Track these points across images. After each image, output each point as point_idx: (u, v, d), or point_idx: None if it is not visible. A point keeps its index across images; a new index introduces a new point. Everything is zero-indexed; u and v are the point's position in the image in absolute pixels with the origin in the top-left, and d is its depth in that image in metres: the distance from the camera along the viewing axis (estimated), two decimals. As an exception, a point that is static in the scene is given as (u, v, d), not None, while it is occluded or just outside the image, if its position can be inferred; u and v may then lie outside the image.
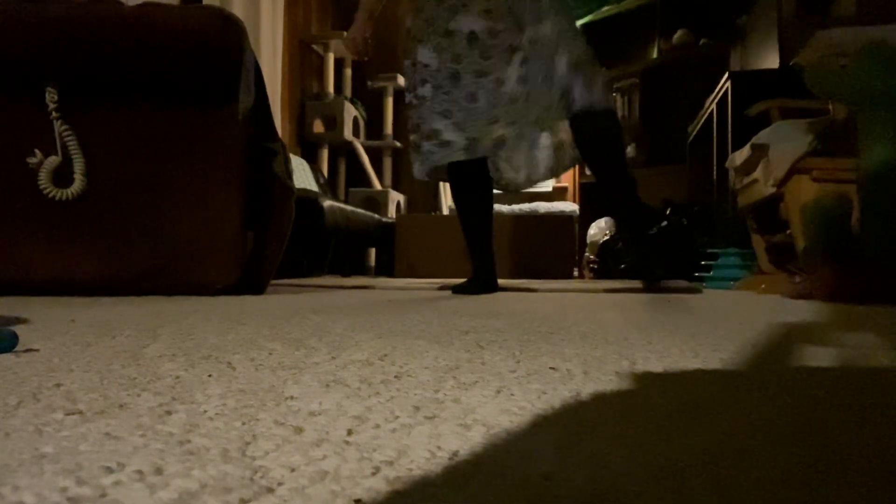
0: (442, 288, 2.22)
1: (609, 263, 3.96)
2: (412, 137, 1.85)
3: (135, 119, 1.61)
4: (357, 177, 5.05)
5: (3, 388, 0.43)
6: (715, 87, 3.40)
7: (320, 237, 3.59)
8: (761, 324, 0.97)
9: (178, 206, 1.61)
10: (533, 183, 2.06)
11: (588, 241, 4.69)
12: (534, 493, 0.24)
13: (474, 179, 1.91)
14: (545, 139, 1.95)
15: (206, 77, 1.59)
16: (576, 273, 4.35)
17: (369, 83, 5.20)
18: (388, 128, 5.18)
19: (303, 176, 4.09)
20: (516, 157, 1.96)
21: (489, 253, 1.92)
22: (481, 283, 1.88)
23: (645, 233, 1.79)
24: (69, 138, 1.54)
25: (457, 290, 1.87)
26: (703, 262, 3.10)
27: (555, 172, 2.03)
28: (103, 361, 0.55)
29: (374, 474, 0.26)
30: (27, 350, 0.61)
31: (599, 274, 4.11)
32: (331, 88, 4.92)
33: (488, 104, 1.72)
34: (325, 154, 4.84)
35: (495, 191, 2.01)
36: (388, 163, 5.24)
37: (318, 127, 4.85)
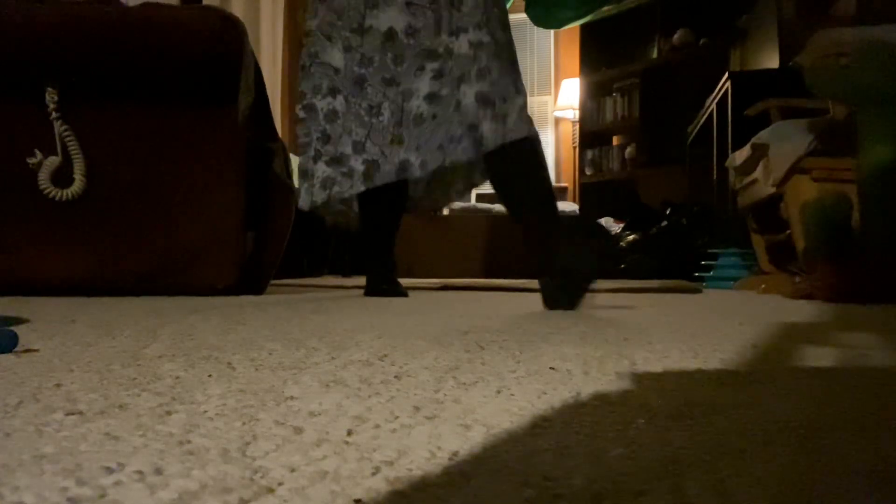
0: (442, 288, 2.22)
1: (609, 263, 3.96)
2: (302, 160, 1.54)
3: (135, 119, 1.61)
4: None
5: (3, 388, 0.43)
6: (715, 87, 3.40)
7: (320, 237, 3.59)
8: (761, 324, 0.97)
9: (177, 206, 1.61)
10: (442, 205, 1.78)
11: (588, 241, 4.68)
12: (534, 493, 0.24)
13: (389, 196, 1.61)
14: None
15: (206, 77, 1.59)
16: (576, 273, 4.33)
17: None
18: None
19: (303, 176, 4.08)
20: (421, 182, 1.72)
21: (389, 258, 1.72)
22: (380, 287, 1.69)
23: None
24: (69, 139, 1.54)
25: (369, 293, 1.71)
26: (703, 262, 3.10)
27: (469, 189, 1.79)
28: (103, 362, 0.55)
29: (374, 474, 0.26)
30: (27, 350, 0.61)
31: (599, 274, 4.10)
32: (331, 88, 4.91)
33: (392, 120, 1.44)
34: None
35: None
36: (388, 163, 5.23)
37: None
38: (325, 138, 1.50)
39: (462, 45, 1.38)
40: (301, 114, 1.54)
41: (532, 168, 1.37)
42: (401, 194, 1.68)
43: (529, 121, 1.37)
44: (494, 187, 1.45)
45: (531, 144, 1.37)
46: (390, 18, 1.41)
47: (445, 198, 1.83)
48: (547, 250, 1.30)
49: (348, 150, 1.48)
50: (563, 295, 1.26)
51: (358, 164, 1.47)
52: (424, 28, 1.40)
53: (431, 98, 1.42)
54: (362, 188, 1.48)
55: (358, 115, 1.46)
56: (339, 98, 1.48)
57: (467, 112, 1.37)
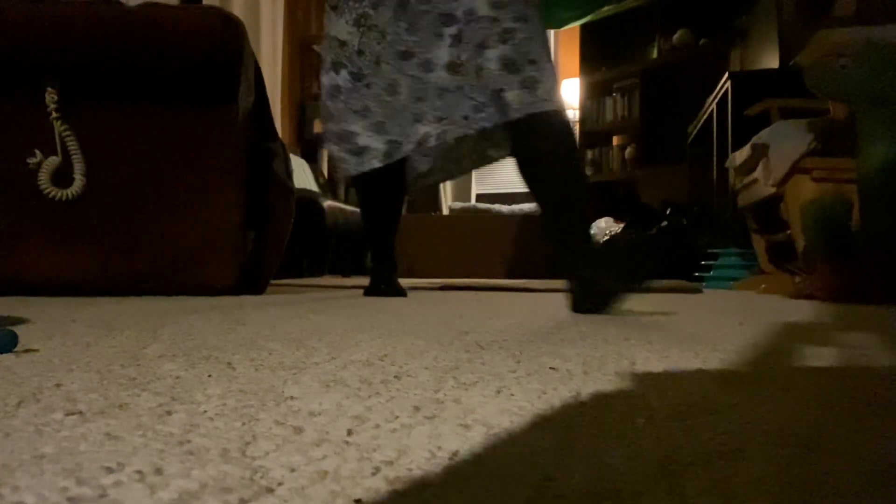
0: (442, 288, 2.22)
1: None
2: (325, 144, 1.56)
3: (135, 119, 1.61)
4: (357, 177, 5.04)
5: (3, 388, 0.43)
6: (715, 87, 3.40)
7: (320, 237, 3.59)
8: (761, 324, 0.97)
9: (177, 206, 1.61)
10: (452, 177, 1.76)
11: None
12: (534, 493, 0.24)
13: (387, 184, 1.63)
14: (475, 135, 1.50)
15: (206, 77, 1.59)
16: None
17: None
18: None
19: (303, 176, 4.09)
20: (436, 153, 1.67)
21: (390, 258, 1.73)
22: (379, 287, 1.71)
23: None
24: (69, 138, 1.54)
25: (367, 292, 1.73)
26: (703, 262, 3.10)
27: (478, 165, 1.69)
28: (103, 361, 0.55)
29: (374, 474, 0.26)
30: (27, 350, 0.61)
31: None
32: (331, 88, 4.92)
33: (411, 97, 1.36)
34: (325, 154, 4.85)
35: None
36: (388, 163, 5.23)
37: (318, 127, 4.85)
38: (328, 115, 1.47)
39: (482, 5, 1.25)
40: (323, 93, 1.51)
41: (563, 149, 1.22)
42: (397, 189, 1.67)
43: (561, 100, 1.25)
44: (518, 166, 1.28)
45: (564, 121, 1.23)
46: None
47: (453, 172, 1.75)
48: (574, 251, 1.18)
49: (355, 127, 1.42)
50: (591, 301, 1.17)
51: (379, 144, 1.41)
52: None
53: (453, 67, 1.31)
54: (378, 165, 1.42)
55: (377, 95, 1.39)
56: (344, 73, 1.41)
57: (490, 77, 1.24)
